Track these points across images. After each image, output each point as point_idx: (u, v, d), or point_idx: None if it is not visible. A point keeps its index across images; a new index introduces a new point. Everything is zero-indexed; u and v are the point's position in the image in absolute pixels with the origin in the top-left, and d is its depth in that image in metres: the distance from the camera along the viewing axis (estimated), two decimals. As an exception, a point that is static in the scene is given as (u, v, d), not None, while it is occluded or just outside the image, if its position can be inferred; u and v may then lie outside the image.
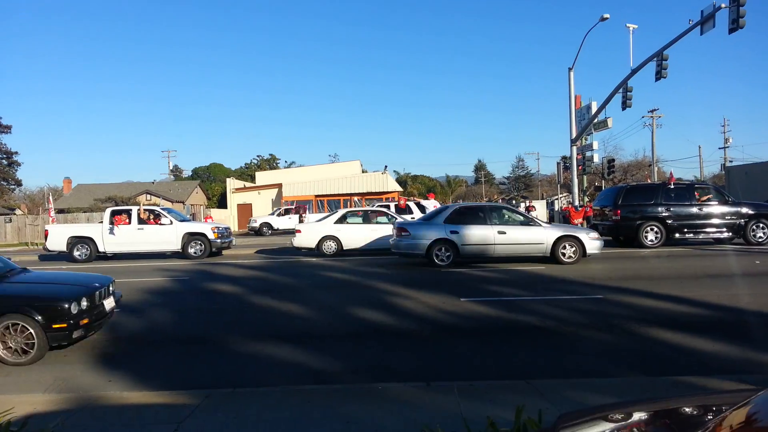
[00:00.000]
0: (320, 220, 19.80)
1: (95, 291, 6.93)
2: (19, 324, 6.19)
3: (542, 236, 13.98)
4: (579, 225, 29.35)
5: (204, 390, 5.15)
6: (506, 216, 14.65)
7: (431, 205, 23.10)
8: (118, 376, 5.89)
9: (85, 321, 6.49)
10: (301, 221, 27.63)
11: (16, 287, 6.90)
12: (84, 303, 6.57)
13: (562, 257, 13.75)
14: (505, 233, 13.93)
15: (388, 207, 30.48)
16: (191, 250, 18.59)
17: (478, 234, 13.97)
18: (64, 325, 6.26)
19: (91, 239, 18.66)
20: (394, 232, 15.21)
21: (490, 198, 78.83)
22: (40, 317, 6.21)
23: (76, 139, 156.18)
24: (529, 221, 14.51)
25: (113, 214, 19.04)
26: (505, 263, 14.37)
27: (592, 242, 13.95)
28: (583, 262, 13.72)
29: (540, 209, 36.22)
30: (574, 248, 13.81)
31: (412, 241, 14.23)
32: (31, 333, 6.20)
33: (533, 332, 7.27)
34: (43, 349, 6.30)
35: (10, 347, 6.21)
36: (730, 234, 17.58)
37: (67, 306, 6.30)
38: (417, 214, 22.62)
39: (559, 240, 13.85)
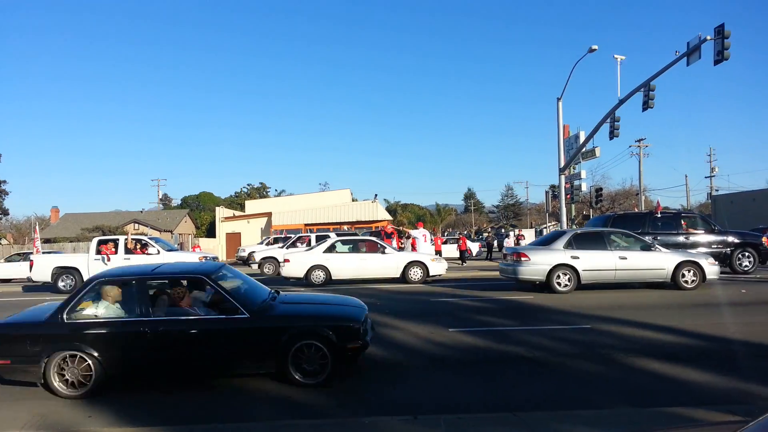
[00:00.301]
0: (309, 249, 19.74)
1: (366, 311, 7.04)
2: (313, 345, 6.22)
3: (663, 262, 14.01)
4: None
5: (186, 425, 5.05)
6: (626, 241, 14.66)
7: (420, 233, 23.12)
8: (99, 411, 5.77)
9: (366, 340, 6.58)
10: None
11: (302, 308, 7.07)
12: (367, 323, 6.74)
13: (683, 283, 13.79)
14: (626, 258, 13.96)
15: (378, 236, 30.52)
16: (178, 280, 18.41)
17: (599, 259, 13.99)
18: (357, 345, 6.39)
19: (76, 269, 18.47)
20: (509, 257, 15.22)
21: (480, 226, 79.12)
22: (335, 337, 6.24)
23: (64, 167, 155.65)
24: (649, 246, 14.52)
25: (99, 243, 18.90)
26: (492, 291, 14.36)
27: (710, 267, 14.01)
28: (573, 292, 13.72)
29: (529, 238, 36.36)
30: (694, 273, 13.86)
31: (532, 267, 14.18)
32: (325, 353, 6.23)
33: (521, 363, 7.23)
34: (334, 370, 6.30)
35: (305, 369, 6.25)
36: (717, 263, 17.70)
37: (358, 326, 6.42)
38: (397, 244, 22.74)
39: (680, 266, 13.89)
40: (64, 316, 6.26)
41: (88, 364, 6.11)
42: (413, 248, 22.15)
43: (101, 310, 6.41)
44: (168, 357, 6.31)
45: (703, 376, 6.34)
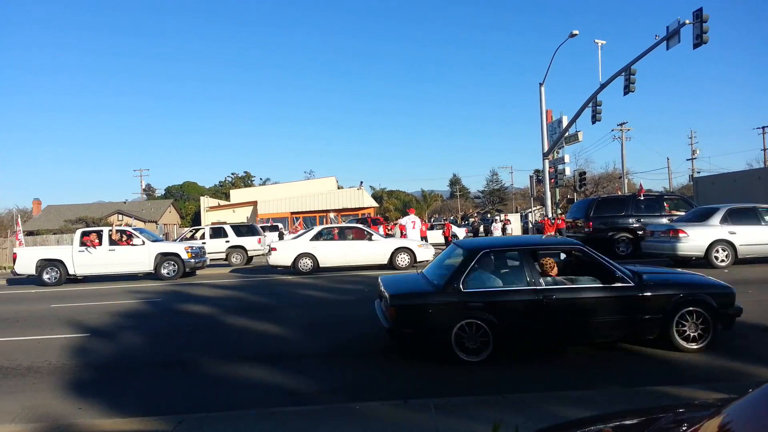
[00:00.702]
0: (296, 237, 19.68)
1: None
2: (695, 311, 6.59)
3: None
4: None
5: (177, 415, 5.03)
6: None
7: (410, 220, 23.17)
8: (89, 403, 5.73)
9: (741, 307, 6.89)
10: (281, 237, 27.42)
11: (674, 277, 7.27)
12: None
13: None
14: None
15: (364, 222, 30.51)
16: (164, 271, 18.29)
17: (756, 234, 14.32)
18: (736, 311, 6.79)
19: (60, 262, 18.24)
20: (662, 234, 15.40)
21: (466, 212, 79.38)
22: (716, 304, 6.63)
23: (46, 158, 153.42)
24: None
25: (83, 235, 18.66)
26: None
27: None
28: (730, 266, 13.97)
29: (515, 222, 36.55)
30: None
31: (691, 243, 14.47)
32: (706, 319, 6.58)
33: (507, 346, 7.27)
34: (714, 335, 6.63)
35: (687, 335, 6.59)
36: (700, 243, 17.92)
37: (733, 293, 6.80)
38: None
39: None
40: (461, 286, 6.48)
41: (485, 330, 6.37)
42: (402, 235, 22.19)
43: (491, 279, 6.71)
44: (559, 324, 6.50)
45: (687, 355, 6.44)
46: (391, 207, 77.90)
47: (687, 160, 65.28)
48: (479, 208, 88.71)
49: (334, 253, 18.25)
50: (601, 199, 20.28)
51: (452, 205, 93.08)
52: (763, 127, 58.74)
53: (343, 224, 24.79)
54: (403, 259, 18.19)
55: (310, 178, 72.23)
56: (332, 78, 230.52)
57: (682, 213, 18.13)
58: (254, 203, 49.45)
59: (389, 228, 32.01)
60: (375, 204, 55.67)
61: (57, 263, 18.24)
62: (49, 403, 5.79)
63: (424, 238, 27.24)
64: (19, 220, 24.52)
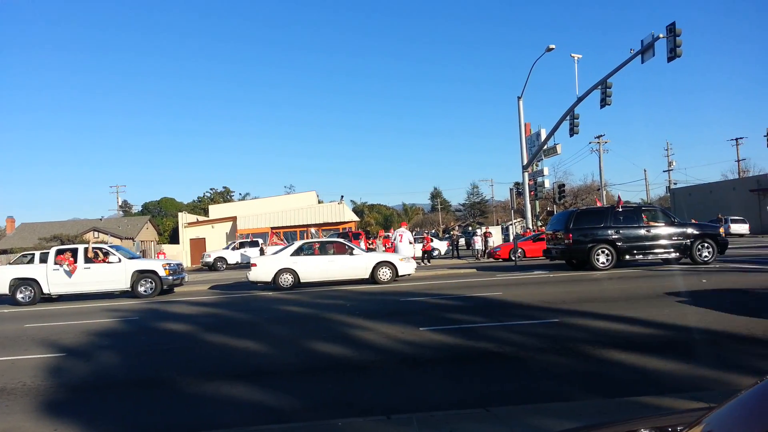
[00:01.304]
0: (276, 252, 19.55)
1: None
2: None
3: None
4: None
5: (155, 435, 4.92)
6: None
7: (398, 233, 23.93)
8: (65, 424, 5.58)
9: None
10: (262, 253, 27.26)
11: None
12: None
13: None
14: None
15: (345, 236, 30.48)
16: (141, 289, 18.02)
17: None
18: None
19: (35, 280, 17.89)
20: None
21: (447, 225, 79.65)
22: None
23: (19, 176, 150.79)
24: None
25: (58, 253, 18.34)
26: (461, 289, 14.46)
27: None
28: (539, 286, 13.90)
29: (496, 235, 36.74)
30: None
31: None
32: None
33: (492, 359, 7.28)
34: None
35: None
36: (678, 254, 18.20)
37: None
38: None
39: None
40: None
41: None
42: (388, 249, 22.55)
43: None
44: None
45: (668, 365, 6.48)
46: (372, 221, 77.94)
47: (664, 171, 66.59)
48: (460, 221, 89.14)
49: (315, 268, 18.16)
50: (581, 211, 20.48)
51: (433, 219, 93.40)
52: (737, 139, 60.21)
53: (324, 239, 24.72)
54: (384, 273, 18.16)
55: (291, 192, 71.97)
56: (312, 93, 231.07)
57: (660, 224, 18.41)
58: (233, 219, 49.07)
59: (370, 243, 32.03)
60: (356, 218, 55.60)
61: (31, 282, 17.90)
62: (22, 425, 5.62)
63: (426, 251, 27.73)
64: (-8, 238, 24.02)
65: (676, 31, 22.31)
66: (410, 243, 23.82)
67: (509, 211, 50.19)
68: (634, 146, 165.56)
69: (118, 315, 13.58)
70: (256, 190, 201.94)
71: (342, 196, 49.95)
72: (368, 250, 23.89)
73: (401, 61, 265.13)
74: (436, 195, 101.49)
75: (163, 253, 38.09)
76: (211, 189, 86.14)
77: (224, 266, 36.30)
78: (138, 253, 32.49)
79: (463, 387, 6.24)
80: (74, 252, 18.38)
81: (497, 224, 56.62)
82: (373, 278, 18.10)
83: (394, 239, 23.99)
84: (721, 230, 18.95)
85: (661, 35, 23.14)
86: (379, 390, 6.33)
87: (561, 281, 15.77)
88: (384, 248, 23.98)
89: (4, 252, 42.24)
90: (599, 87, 26.56)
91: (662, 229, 18.32)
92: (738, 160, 60.69)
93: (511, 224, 42.07)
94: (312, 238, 34.33)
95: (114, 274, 18.12)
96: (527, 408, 5.16)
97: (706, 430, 1.53)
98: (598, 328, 8.72)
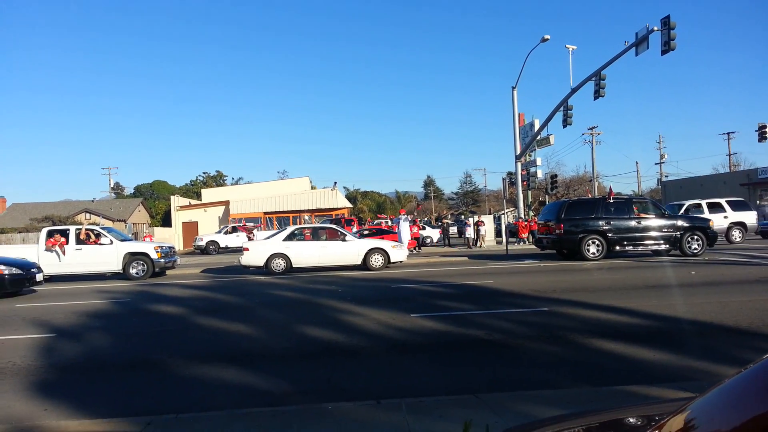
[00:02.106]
0: (269, 237, 19.53)
1: None
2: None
3: None
4: (524, 239, 30.13)
5: (146, 417, 4.94)
6: None
7: (401, 220, 24.57)
8: (55, 404, 5.59)
9: None
10: (249, 239, 27.28)
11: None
12: None
13: None
14: None
15: (338, 222, 30.50)
16: (133, 271, 18.00)
17: None
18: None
19: (25, 261, 17.78)
20: None
21: (440, 213, 79.78)
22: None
23: (10, 156, 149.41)
24: None
25: (49, 234, 18.26)
26: (452, 277, 14.53)
27: None
28: (530, 275, 13.98)
29: (488, 224, 36.82)
30: None
31: None
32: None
33: (482, 346, 7.34)
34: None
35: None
36: (667, 246, 18.35)
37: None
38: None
39: None
40: None
41: None
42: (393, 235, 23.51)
43: None
44: None
45: (656, 355, 6.56)
46: (365, 208, 77.84)
47: (655, 164, 66.98)
48: (453, 209, 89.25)
49: (307, 254, 18.18)
50: (572, 201, 20.57)
51: (426, 207, 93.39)
52: (728, 133, 60.40)
53: (317, 224, 24.78)
54: (376, 260, 18.21)
55: (284, 178, 71.79)
56: (306, 79, 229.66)
57: (651, 216, 18.52)
58: (226, 203, 48.93)
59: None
60: (349, 204, 55.59)
61: (22, 262, 17.77)
62: (12, 404, 5.63)
63: (416, 238, 28.11)
64: (-18, 217, 23.85)
65: (671, 24, 22.35)
66: (412, 228, 24.92)
67: (502, 201, 50.31)
68: (626, 138, 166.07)
69: (109, 296, 13.57)
70: (250, 174, 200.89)
71: (335, 183, 49.87)
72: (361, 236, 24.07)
73: (396, 49, 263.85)
74: (429, 183, 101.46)
75: (150, 236, 37.89)
76: (204, 173, 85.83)
77: (216, 250, 36.25)
78: (130, 235, 32.33)
79: (453, 373, 6.29)
80: (65, 233, 18.30)
81: (489, 213, 56.76)
82: (365, 265, 18.14)
83: (396, 224, 24.88)
84: (711, 223, 19.10)
85: (655, 28, 23.15)
86: (369, 375, 6.38)
87: (551, 271, 15.87)
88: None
89: (-6, 232, 41.96)
90: (593, 78, 26.56)
91: (653, 221, 18.44)
92: (729, 154, 61.00)
93: (504, 214, 42.14)
94: (305, 223, 34.30)
95: (106, 256, 18.07)
96: (516, 395, 5.22)
97: (689, 417, 1.56)
98: (588, 317, 8.80)
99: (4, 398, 5.84)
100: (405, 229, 23.81)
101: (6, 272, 13.65)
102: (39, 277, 14.79)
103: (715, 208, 25.69)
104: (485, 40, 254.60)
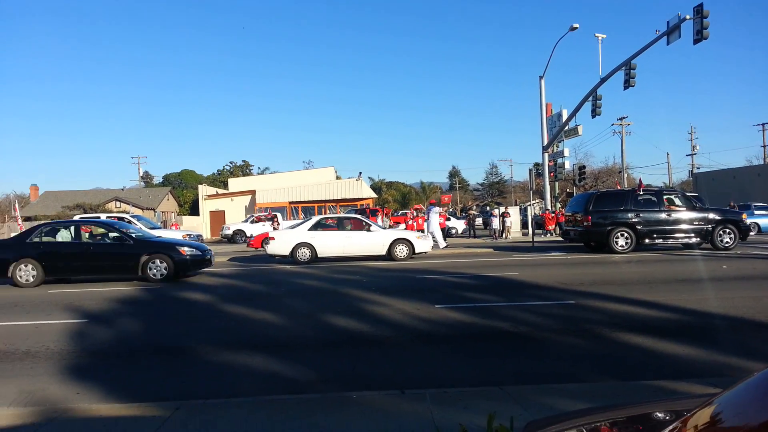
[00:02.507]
0: (294, 226, 19.68)
1: None
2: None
3: None
4: (551, 230, 29.83)
5: (174, 402, 5.05)
6: None
7: (432, 211, 24.63)
8: (87, 388, 5.74)
9: None
10: (274, 229, 27.51)
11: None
12: None
13: None
14: None
15: (363, 213, 30.58)
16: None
17: None
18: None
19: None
20: None
21: (465, 204, 79.41)
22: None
23: (44, 144, 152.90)
24: None
25: (81, 223, 18.64)
26: (477, 268, 14.47)
27: None
28: (556, 267, 13.86)
29: (514, 215, 36.53)
30: None
31: None
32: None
33: (507, 338, 7.31)
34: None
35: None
36: (698, 239, 17.99)
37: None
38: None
39: None
40: None
41: None
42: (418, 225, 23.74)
43: None
44: None
45: (685, 350, 6.45)
46: (390, 198, 77.87)
47: (687, 155, 65.45)
48: (478, 200, 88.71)
49: (333, 244, 18.26)
50: (600, 193, 20.28)
51: (451, 197, 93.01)
52: (763, 124, 58.72)
53: (342, 214, 24.88)
54: (401, 250, 18.22)
55: (309, 168, 72.04)
56: (332, 70, 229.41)
57: (682, 208, 18.18)
58: (252, 192, 49.36)
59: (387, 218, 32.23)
60: (374, 195, 55.65)
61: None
62: (46, 387, 5.80)
63: (420, 230, 28.08)
64: (16, 205, 24.53)
65: (704, 13, 21.79)
66: (442, 217, 25.06)
67: (528, 192, 49.82)
68: (657, 129, 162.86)
69: (139, 284, 13.84)
70: (276, 164, 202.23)
71: (360, 173, 50.00)
72: (389, 226, 24.21)
73: (423, 40, 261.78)
74: (454, 174, 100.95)
75: (176, 225, 38.35)
76: (230, 162, 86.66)
77: (243, 239, 36.66)
78: (159, 223, 32.87)
79: (477, 365, 6.29)
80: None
81: (515, 204, 56.33)
82: (389, 255, 18.17)
83: (426, 215, 24.85)
84: (744, 216, 18.67)
85: (687, 16, 22.59)
86: (393, 365, 6.41)
87: (578, 263, 15.70)
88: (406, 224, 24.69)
89: (28, 219, 42.99)
90: (623, 68, 26.05)
91: (683, 214, 18.09)
92: (764, 146, 59.28)
93: (530, 205, 41.75)
94: (330, 213, 34.50)
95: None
96: (541, 388, 5.19)
97: (716, 411, 1.54)
98: (615, 310, 8.70)
99: (40, 381, 6.01)
100: (435, 221, 23.81)
101: (189, 254, 14.38)
102: (213, 259, 15.70)
103: None
104: (513, 30, 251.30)
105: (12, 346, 7.51)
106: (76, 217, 19.30)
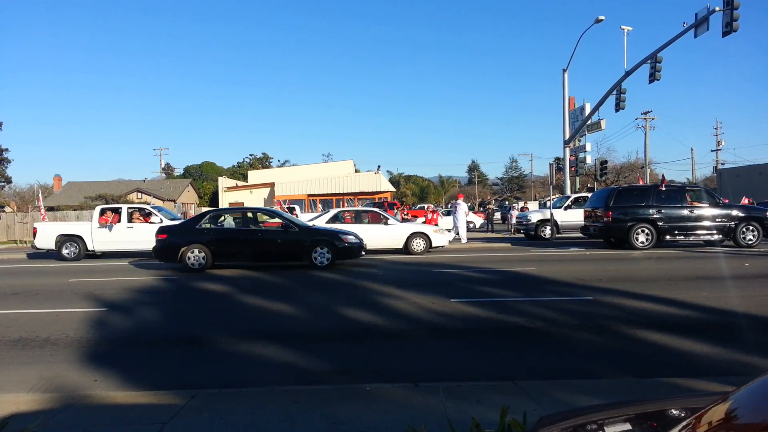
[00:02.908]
0: (312, 219, 19.75)
1: None
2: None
3: None
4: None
5: (190, 390, 5.10)
6: None
7: (458, 206, 24.59)
8: (104, 375, 5.83)
9: None
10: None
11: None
12: None
13: None
14: None
15: (381, 206, 30.59)
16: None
17: None
18: None
19: (80, 237, 18.53)
20: None
21: (483, 199, 79.07)
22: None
23: (67, 135, 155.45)
24: None
25: (102, 212, 18.92)
26: (494, 263, 14.40)
27: None
28: (575, 263, 13.74)
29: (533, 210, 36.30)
30: None
31: None
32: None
33: (522, 333, 7.26)
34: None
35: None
36: (720, 236, 17.70)
37: None
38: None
39: None
40: None
41: None
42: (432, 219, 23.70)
43: None
44: None
45: (704, 348, 6.35)
46: (408, 192, 77.75)
47: (711, 151, 64.39)
48: (497, 195, 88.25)
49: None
50: (622, 188, 20.02)
51: (470, 192, 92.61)
52: (791, 120, 57.40)
53: (359, 208, 24.91)
54: (418, 244, 18.20)
55: (328, 161, 72.24)
56: (352, 63, 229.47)
57: (704, 204, 17.89)
58: (271, 185, 49.67)
59: (405, 213, 32.16)
60: (392, 188, 55.68)
61: (76, 239, 18.54)
62: (65, 374, 5.90)
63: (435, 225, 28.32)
64: (40, 195, 24.93)
65: (734, 5, 21.27)
66: (465, 214, 24.84)
67: (548, 187, 49.48)
68: (681, 124, 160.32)
69: (158, 273, 14.01)
70: (295, 157, 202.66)
71: (379, 166, 50.11)
72: (403, 220, 24.05)
73: (442, 33, 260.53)
74: (473, 168, 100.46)
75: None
76: (250, 155, 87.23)
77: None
78: (179, 214, 33.19)
79: (492, 359, 6.26)
80: (118, 211, 18.94)
81: (535, 199, 55.85)
82: (406, 248, 18.16)
83: (452, 210, 24.91)
84: (768, 213, 18.31)
85: (717, 8, 22.10)
86: (407, 358, 6.41)
87: (597, 259, 15.54)
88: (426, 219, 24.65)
89: (51, 209, 43.73)
90: (649, 61, 25.63)
91: (706, 210, 17.80)
92: (792, 142, 58.10)
93: (550, 200, 41.44)
94: (348, 206, 34.54)
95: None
96: (556, 383, 5.15)
97: (731, 408, 1.51)
98: (634, 307, 8.59)
99: (59, 368, 6.11)
100: (462, 216, 23.73)
101: (350, 242, 14.88)
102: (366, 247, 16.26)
103: None
104: (536, 22, 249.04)
105: (33, 333, 7.65)
106: (98, 208, 19.54)
